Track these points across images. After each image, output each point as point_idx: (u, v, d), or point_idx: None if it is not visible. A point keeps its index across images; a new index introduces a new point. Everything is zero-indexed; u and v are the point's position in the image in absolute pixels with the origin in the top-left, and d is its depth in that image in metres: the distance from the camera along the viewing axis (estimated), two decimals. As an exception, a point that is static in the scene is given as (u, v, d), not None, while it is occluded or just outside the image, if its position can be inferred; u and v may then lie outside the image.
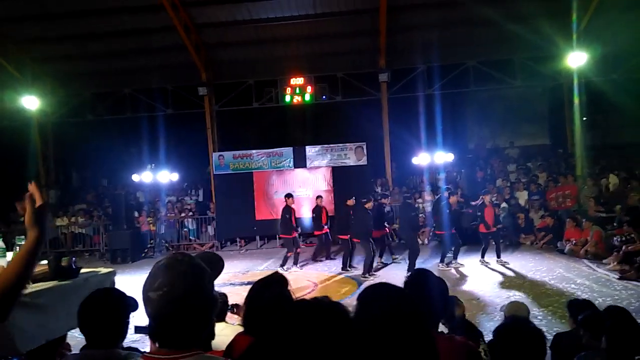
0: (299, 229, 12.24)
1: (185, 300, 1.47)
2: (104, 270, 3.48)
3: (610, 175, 13.64)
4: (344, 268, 10.79)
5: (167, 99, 17.00)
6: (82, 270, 3.15)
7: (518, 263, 10.64)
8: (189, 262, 1.55)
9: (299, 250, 11.62)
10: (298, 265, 11.43)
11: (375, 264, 10.69)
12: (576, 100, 14.47)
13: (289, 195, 11.96)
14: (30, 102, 15.72)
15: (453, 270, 10.35)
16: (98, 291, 2.26)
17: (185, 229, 15.77)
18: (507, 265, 10.46)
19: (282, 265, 11.10)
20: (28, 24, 14.68)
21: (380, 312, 1.56)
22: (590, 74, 14.48)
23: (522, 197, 14.24)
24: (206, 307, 1.56)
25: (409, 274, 2.50)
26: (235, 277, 10.79)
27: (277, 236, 14.01)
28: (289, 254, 11.38)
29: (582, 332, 3.69)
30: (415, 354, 1.51)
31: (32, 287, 2.55)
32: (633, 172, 13.87)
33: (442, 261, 10.70)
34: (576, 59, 13.67)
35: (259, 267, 12.01)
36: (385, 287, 1.70)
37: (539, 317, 6.57)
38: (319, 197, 13.06)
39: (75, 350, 3.05)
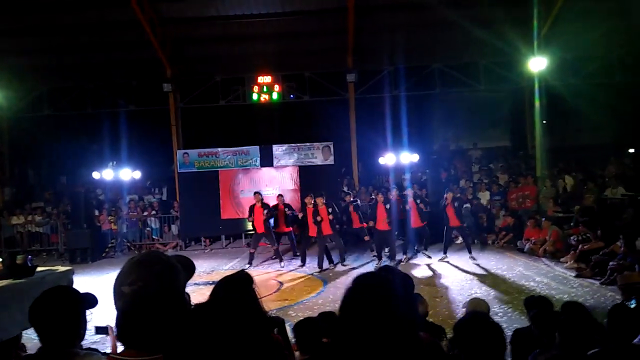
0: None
1: (157, 298, 1.45)
2: (61, 268, 3.38)
3: (566, 177, 14.11)
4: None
5: (131, 95, 16.60)
6: (38, 269, 3.04)
7: (480, 261, 10.88)
8: (165, 262, 1.52)
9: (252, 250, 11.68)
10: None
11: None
12: (537, 104, 14.91)
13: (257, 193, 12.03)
14: (-16, 96, 15.09)
15: (416, 267, 10.52)
16: (50, 290, 2.17)
17: (148, 228, 15.45)
18: (475, 262, 10.80)
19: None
20: (-17, 14, 14.09)
21: (366, 301, 1.53)
22: (551, 78, 14.95)
23: (485, 197, 14.58)
24: (177, 305, 1.54)
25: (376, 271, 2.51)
26: (200, 277, 10.64)
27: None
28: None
29: (533, 327, 3.81)
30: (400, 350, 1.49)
31: (-17, 285, 2.46)
32: (590, 174, 14.39)
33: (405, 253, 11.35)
34: (537, 64, 14.09)
35: (224, 267, 11.89)
36: (376, 278, 1.69)
37: (500, 314, 6.74)
38: (279, 195, 13.04)
39: (32, 351, 2.94)
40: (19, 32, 14.74)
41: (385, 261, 10.98)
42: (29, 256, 2.99)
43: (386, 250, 11.39)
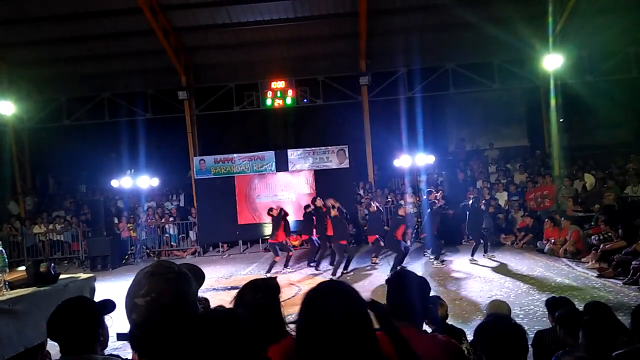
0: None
1: (173, 307, 1.46)
2: (83, 275, 3.43)
3: (585, 175, 13.90)
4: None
5: (147, 103, 16.82)
6: (62, 276, 3.09)
7: (499, 263, 10.77)
8: (176, 270, 1.54)
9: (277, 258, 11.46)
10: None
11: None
12: (553, 102, 14.75)
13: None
14: (6, 108, 15.39)
15: (437, 270, 10.44)
16: (63, 303, 2.21)
17: (166, 235, 15.59)
18: (494, 259, 10.93)
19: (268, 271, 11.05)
20: (4, 28, 14.39)
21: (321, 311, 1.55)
22: (566, 76, 14.77)
23: (502, 198, 14.43)
24: (191, 316, 1.55)
25: (390, 275, 2.50)
26: (218, 282, 10.72)
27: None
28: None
29: (558, 328, 3.75)
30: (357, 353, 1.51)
31: (10, 293, 2.50)
32: (609, 172, 14.16)
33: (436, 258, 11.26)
34: (552, 62, 13.93)
35: (242, 272, 11.93)
36: (333, 287, 1.70)
37: (520, 316, 6.65)
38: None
39: (56, 357, 2.99)
40: (37, 43, 15.05)
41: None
42: (52, 264, 3.04)
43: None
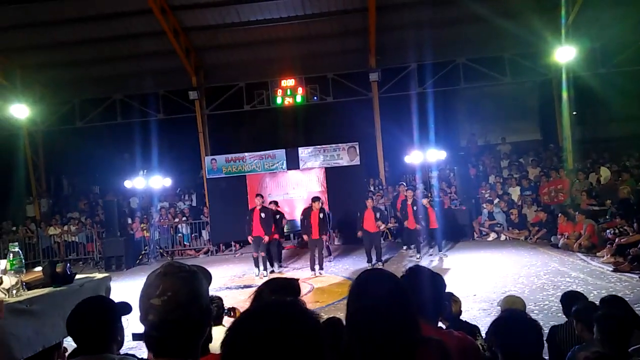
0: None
1: (188, 305, 1.47)
2: (99, 275, 3.46)
3: (601, 169, 13.74)
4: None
5: (158, 103, 16.93)
6: (77, 276, 3.13)
7: (513, 258, 10.69)
8: (187, 269, 1.56)
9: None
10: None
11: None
12: (565, 95, 14.56)
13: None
14: (20, 111, 15.58)
15: (448, 265, 10.41)
16: (83, 301, 2.24)
17: (179, 235, 15.70)
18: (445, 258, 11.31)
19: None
20: (17, 32, 14.57)
21: (371, 296, 1.66)
22: (579, 68, 14.58)
23: (515, 192, 14.32)
24: (205, 314, 1.57)
25: (405, 271, 2.49)
26: (232, 281, 10.78)
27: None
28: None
29: (575, 323, 3.72)
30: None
31: (27, 294, 2.53)
32: (624, 165, 13.98)
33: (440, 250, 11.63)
34: (564, 54, 13.75)
35: (255, 271, 11.96)
36: (379, 274, 1.81)
37: (535, 312, 6.60)
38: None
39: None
40: (50, 46, 15.21)
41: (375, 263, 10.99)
42: (68, 264, 3.07)
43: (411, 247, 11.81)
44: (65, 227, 15.93)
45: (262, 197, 11.60)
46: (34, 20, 14.26)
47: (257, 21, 14.93)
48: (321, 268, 10.82)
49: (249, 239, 11.13)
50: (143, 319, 1.51)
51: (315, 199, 11.10)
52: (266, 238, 10.84)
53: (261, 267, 10.90)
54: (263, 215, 10.95)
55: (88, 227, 15.84)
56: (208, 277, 1.84)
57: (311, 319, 1.15)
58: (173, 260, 2.35)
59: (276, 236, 11.52)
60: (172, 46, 14.79)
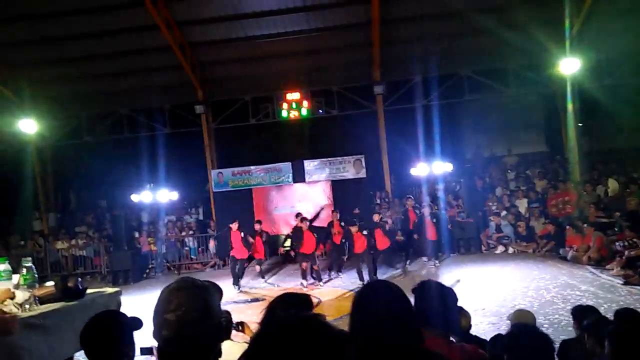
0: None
1: (202, 320, 1.48)
2: (109, 290, 3.48)
3: (609, 180, 13.66)
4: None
5: (165, 118, 17.05)
6: (88, 291, 3.14)
7: (521, 271, 10.61)
8: (200, 284, 1.57)
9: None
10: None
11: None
12: (570, 107, 14.55)
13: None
14: (28, 126, 15.73)
15: (456, 278, 10.35)
16: (99, 315, 2.26)
17: (186, 248, 15.70)
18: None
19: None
20: (25, 47, 14.77)
21: (374, 308, 1.68)
22: (584, 80, 14.58)
23: (522, 205, 14.26)
24: (218, 329, 1.58)
25: (417, 284, 2.48)
26: (239, 295, 10.74)
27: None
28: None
29: (587, 337, 3.68)
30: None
31: (39, 309, 2.54)
32: (631, 177, 13.90)
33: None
34: (569, 66, 13.76)
35: (262, 284, 11.95)
36: (382, 286, 1.85)
37: (545, 326, 6.53)
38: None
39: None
40: (58, 62, 15.40)
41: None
42: (79, 279, 3.09)
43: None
44: (73, 241, 15.98)
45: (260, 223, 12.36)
46: (42, 36, 14.45)
47: (262, 36, 15.05)
48: (319, 280, 11.22)
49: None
50: (157, 334, 1.52)
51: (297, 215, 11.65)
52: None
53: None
54: (242, 235, 11.51)
55: (95, 241, 15.88)
56: (219, 292, 1.86)
57: (338, 335, 1.14)
58: (181, 274, 2.36)
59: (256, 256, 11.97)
60: (179, 61, 14.93)
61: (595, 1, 13.51)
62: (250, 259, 12.17)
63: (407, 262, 12.30)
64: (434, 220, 12.59)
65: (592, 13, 13.70)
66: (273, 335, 1.13)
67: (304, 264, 11.19)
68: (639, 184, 12.94)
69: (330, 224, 12.41)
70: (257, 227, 12.34)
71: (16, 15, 13.72)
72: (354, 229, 10.98)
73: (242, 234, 11.49)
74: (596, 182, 14.16)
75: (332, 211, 12.99)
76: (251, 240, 11.64)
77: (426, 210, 12.62)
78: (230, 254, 11.75)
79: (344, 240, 11.83)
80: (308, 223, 11.35)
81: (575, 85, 14.27)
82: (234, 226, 11.56)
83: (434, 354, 1.76)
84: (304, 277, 11.22)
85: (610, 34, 13.96)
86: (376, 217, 11.90)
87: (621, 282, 8.74)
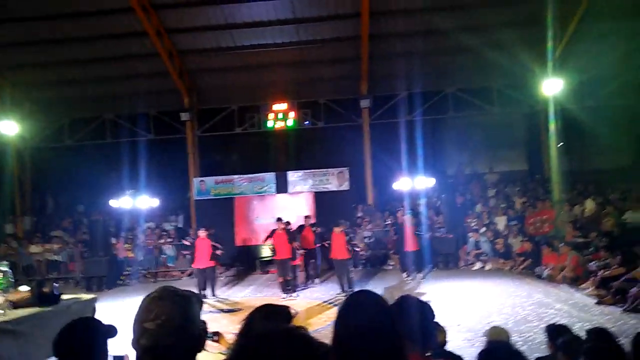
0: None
1: (182, 329, 1.48)
2: (85, 296, 3.44)
3: (587, 201, 13.92)
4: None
5: (149, 124, 16.94)
6: (64, 297, 3.10)
7: (498, 288, 10.71)
8: (181, 294, 1.57)
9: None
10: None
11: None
12: (552, 127, 14.81)
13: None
14: (9, 127, 15.47)
15: (432, 293, 10.40)
16: (73, 322, 2.22)
17: (163, 256, 15.50)
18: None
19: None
20: (9, 49, 14.59)
21: (357, 320, 1.67)
22: (566, 101, 14.86)
23: (501, 222, 14.44)
24: (197, 339, 1.58)
25: (396, 300, 2.50)
26: (214, 305, 10.64)
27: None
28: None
29: (560, 356, 3.74)
30: None
31: (14, 314, 2.50)
32: (608, 198, 14.18)
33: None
34: (552, 86, 14.02)
35: (239, 294, 11.86)
36: (366, 296, 1.82)
37: (519, 343, 6.60)
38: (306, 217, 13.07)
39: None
40: (42, 65, 15.24)
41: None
42: (55, 284, 3.05)
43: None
44: (48, 246, 15.66)
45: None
46: (26, 39, 14.31)
47: (252, 46, 15.13)
48: (294, 291, 11.16)
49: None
50: (134, 343, 1.51)
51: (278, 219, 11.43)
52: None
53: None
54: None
55: (71, 246, 15.59)
56: (200, 303, 1.86)
57: (320, 347, 1.15)
58: (157, 282, 2.34)
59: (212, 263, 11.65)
60: (166, 68, 14.90)
61: (579, 24, 13.90)
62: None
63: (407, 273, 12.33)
64: (417, 233, 12.61)
65: (575, 36, 14.07)
66: (255, 348, 1.14)
67: (280, 279, 11.13)
68: (614, 205, 13.21)
69: (301, 227, 12.44)
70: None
71: (1, 17, 13.56)
72: (337, 230, 10.92)
73: (212, 242, 11.43)
74: (574, 201, 14.40)
75: (305, 217, 12.98)
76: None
77: (407, 220, 12.61)
78: (194, 265, 11.57)
79: (318, 245, 11.87)
80: (283, 225, 11.23)
81: (557, 105, 14.54)
82: (202, 233, 11.43)
83: None
84: (283, 289, 11.15)
85: (593, 57, 14.32)
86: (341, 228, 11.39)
87: (595, 301, 8.88)
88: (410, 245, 12.21)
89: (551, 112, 14.47)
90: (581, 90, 15.33)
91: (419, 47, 15.08)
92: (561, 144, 15.04)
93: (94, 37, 14.30)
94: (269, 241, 11.59)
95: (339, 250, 10.84)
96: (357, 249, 13.51)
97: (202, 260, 11.28)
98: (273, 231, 11.39)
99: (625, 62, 14.69)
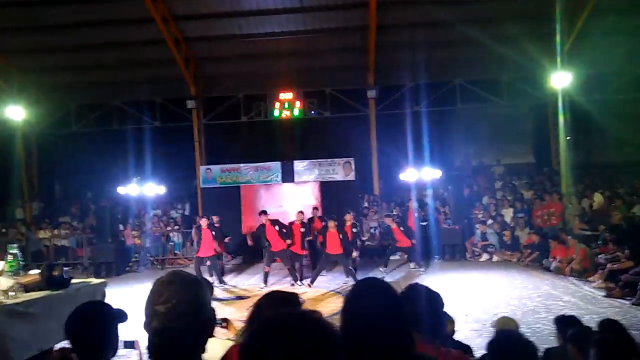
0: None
1: (192, 313, 1.48)
2: (95, 280, 3.44)
3: (595, 194, 13.83)
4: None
5: (155, 111, 16.94)
6: (73, 281, 3.10)
7: (504, 280, 10.69)
8: (192, 278, 1.58)
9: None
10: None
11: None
12: (561, 120, 14.72)
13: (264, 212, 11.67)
14: (16, 113, 15.51)
15: (439, 284, 10.39)
16: (84, 304, 2.22)
17: (170, 243, 15.58)
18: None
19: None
20: (16, 34, 14.58)
21: (365, 305, 1.66)
22: (575, 94, 14.76)
23: (508, 214, 14.38)
24: (207, 323, 1.58)
25: (404, 288, 2.47)
26: (222, 292, 10.68)
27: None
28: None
29: (570, 347, 3.71)
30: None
31: (25, 296, 2.51)
32: (616, 191, 14.09)
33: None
34: (560, 80, 13.92)
35: (246, 282, 11.90)
36: (375, 284, 1.81)
37: (527, 334, 6.57)
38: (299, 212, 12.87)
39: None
40: (49, 50, 15.22)
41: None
42: (65, 269, 3.05)
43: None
44: (56, 231, 15.77)
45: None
46: (34, 24, 14.28)
47: (259, 34, 15.04)
48: (300, 280, 11.09)
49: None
50: (146, 325, 1.51)
51: (263, 212, 11.48)
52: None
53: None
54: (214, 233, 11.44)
55: (79, 232, 15.69)
56: (210, 288, 1.85)
57: (333, 332, 1.13)
58: (164, 269, 2.34)
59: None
60: (173, 55, 14.85)
61: (587, 19, 13.74)
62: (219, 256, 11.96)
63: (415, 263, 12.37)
64: (423, 223, 12.59)
65: (583, 30, 13.93)
66: (271, 330, 1.11)
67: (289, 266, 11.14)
68: (623, 198, 13.12)
69: (311, 219, 12.41)
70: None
71: (7, 1, 13.53)
72: (331, 224, 10.71)
73: (213, 231, 11.35)
74: (582, 195, 14.33)
75: (313, 208, 13.00)
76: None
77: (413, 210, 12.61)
78: (196, 255, 11.43)
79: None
80: (268, 217, 11.21)
81: (565, 98, 14.44)
82: (204, 223, 11.38)
83: (425, 356, 1.76)
84: (294, 277, 11.10)
85: (601, 51, 14.20)
86: (348, 217, 11.41)
87: (603, 294, 8.84)
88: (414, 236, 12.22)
89: (560, 105, 14.37)
90: (589, 83, 15.22)
91: (426, 38, 14.95)
92: (569, 137, 14.96)
93: (101, 23, 14.25)
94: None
95: (332, 245, 10.68)
96: (363, 239, 13.47)
97: (203, 250, 11.22)
98: (291, 224, 11.35)
99: (634, 56, 14.57)
